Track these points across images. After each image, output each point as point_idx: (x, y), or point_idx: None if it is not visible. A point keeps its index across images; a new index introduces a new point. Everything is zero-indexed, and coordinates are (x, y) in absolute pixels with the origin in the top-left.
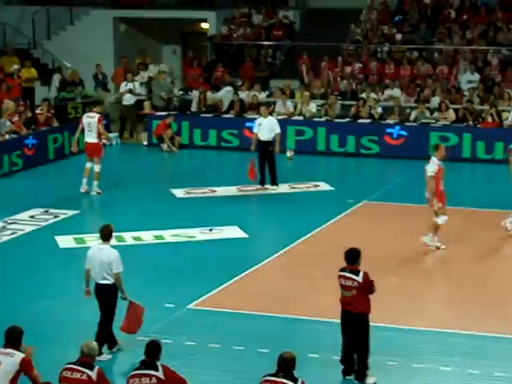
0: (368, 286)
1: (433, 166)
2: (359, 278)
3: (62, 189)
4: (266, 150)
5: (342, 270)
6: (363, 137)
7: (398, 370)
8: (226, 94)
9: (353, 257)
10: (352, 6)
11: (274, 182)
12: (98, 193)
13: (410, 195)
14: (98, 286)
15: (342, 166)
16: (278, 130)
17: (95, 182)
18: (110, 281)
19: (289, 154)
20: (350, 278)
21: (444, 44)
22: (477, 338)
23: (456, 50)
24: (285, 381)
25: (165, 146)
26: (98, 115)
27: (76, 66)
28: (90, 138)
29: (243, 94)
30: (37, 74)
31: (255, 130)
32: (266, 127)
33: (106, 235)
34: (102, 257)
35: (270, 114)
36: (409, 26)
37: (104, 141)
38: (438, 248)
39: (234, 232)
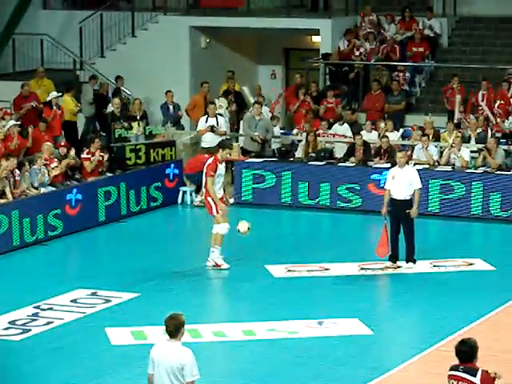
0: None
1: None
2: (476, 380)
3: (115, 262)
4: (401, 214)
5: (453, 368)
6: None
7: None
8: (344, 134)
9: (467, 352)
10: None
11: (411, 258)
12: (215, 266)
13: None
14: None
15: (508, 237)
16: (419, 185)
17: (212, 249)
18: None
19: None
20: (463, 379)
21: None
22: None
23: None
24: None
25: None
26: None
27: (138, 94)
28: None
29: (368, 135)
30: (76, 105)
31: (387, 186)
32: (402, 181)
33: (174, 330)
34: (171, 359)
35: (407, 162)
36: None
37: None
38: None
39: (352, 327)
